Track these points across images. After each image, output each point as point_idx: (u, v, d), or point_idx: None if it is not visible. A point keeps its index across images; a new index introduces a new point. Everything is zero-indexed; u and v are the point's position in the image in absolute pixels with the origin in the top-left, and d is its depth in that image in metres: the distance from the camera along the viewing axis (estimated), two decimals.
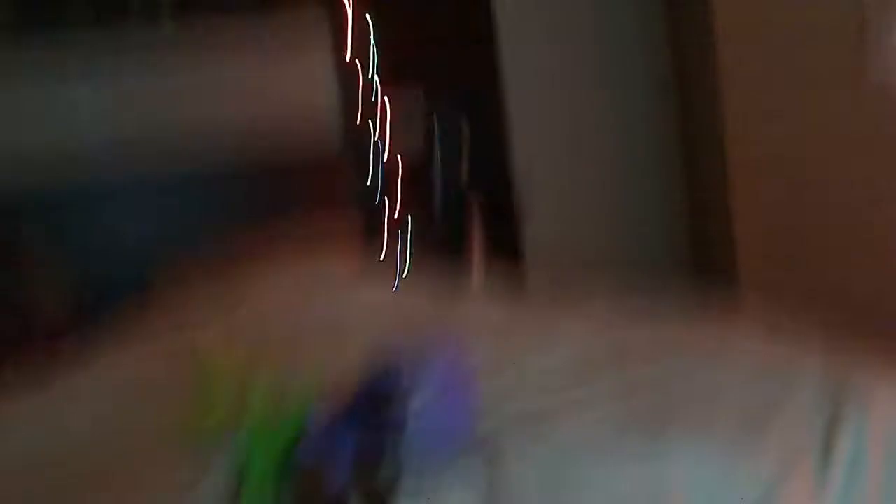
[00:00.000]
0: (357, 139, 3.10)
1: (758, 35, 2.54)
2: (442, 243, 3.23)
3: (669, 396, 1.16)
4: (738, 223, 2.77)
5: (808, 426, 1.07)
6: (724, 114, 2.70)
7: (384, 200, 3.10)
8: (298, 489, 0.92)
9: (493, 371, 1.41)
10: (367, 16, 3.03)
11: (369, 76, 3.06)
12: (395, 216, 3.10)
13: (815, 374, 1.18)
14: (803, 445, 1.03)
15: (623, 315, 1.69)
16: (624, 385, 1.23)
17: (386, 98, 3.08)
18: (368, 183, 3.09)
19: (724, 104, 2.70)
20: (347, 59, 3.04)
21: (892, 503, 0.99)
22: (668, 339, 1.40)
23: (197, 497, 0.97)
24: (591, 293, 1.92)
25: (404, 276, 3.04)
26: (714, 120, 2.84)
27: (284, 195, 3.02)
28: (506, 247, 3.25)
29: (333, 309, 2.34)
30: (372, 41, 3.05)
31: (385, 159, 3.11)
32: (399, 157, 3.12)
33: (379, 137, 3.07)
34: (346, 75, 3.09)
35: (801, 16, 2.36)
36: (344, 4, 3.03)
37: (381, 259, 3.07)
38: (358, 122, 3.07)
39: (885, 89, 2.13)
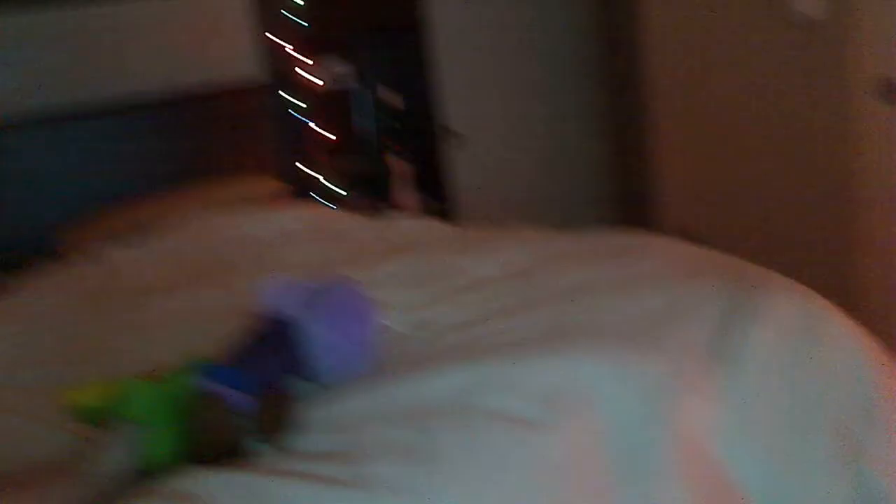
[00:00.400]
0: (281, 72, 3.04)
1: None
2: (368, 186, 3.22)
3: (579, 303, 1.19)
4: (663, 164, 2.83)
5: (704, 326, 1.11)
6: (647, 47, 2.73)
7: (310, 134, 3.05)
8: (203, 413, 0.90)
9: (413, 283, 1.44)
10: None
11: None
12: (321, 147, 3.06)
13: (711, 279, 1.22)
14: (699, 343, 1.08)
15: (544, 235, 1.73)
16: (537, 295, 1.26)
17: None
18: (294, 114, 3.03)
19: (646, 38, 2.72)
20: None
21: (784, 395, 1.05)
22: (584, 251, 1.44)
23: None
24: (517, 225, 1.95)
25: (332, 201, 3.02)
26: (636, 53, 2.87)
27: (207, 127, 2.96)
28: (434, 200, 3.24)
29: (257, 231, 2.33)
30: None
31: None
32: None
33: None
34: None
35: None
36: None
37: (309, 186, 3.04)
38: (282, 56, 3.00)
39: (806, 19, 2.19)
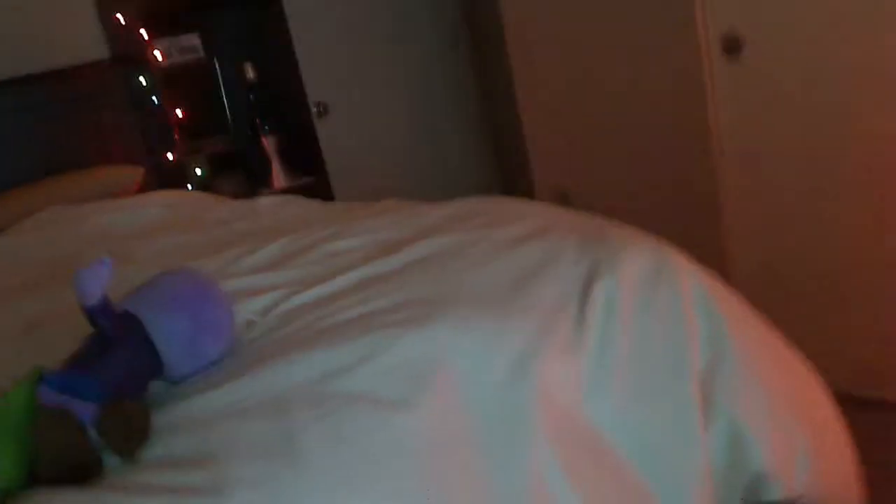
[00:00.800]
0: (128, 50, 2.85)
1: None
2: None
3: (444, 269, 1.18)
4: (528, 130, 2.86)
5: (567, 286, 1.12)
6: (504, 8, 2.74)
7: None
8: (45, 429, 0.82)
9: (272, 267, 1.39)
10: None
11: None
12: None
13: (573, 241, 1.24)
14: (561, 303, 1.09)
15: (411, 206, 1.71)
16: (405, 262, 1.24)
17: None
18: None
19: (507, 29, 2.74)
20: None
21: (642, 346, 1.08)
22: (452, 220, 1.43)
23: None
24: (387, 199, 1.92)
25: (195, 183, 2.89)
26: (496, 13, 2.87)
27: (57, 115, 2.76)
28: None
29: (115, 224, 2.21)
30: None
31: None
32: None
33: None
34: None
35: None
36: None
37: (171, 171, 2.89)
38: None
39: None
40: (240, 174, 3.03)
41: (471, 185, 3.56)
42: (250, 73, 3.02)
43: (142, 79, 2.75)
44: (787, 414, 1.15)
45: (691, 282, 1.17)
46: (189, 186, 2.85)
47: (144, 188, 2.68)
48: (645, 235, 1.27)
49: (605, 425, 1.01)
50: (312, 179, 3.05)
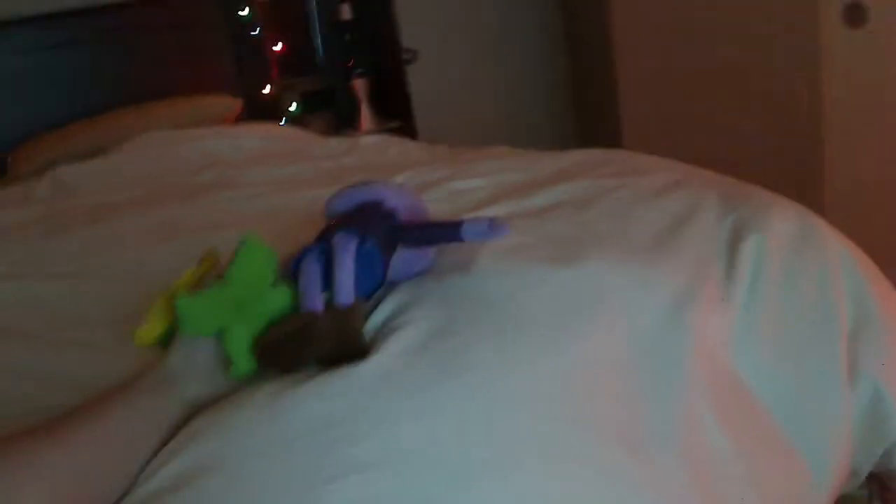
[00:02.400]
0: None
1: None
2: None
3: (586, 213, 1.18)
4: (623, 90, 2.81)
5: (714, 239, 1.12)
6: None
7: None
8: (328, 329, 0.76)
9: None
10: None
11: None
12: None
13: (715, 195, 1.23)
14: (710, 256, 1.09)
15: (527, 153, 1.70)
16: (541, 204, 1.24)
17: None
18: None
19: None
20: None
21: (790, 305, 1.07)
22: (580, 164, 1.42)
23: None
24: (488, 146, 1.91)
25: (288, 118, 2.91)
26: None
27: (154, 42, 2.79)
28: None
29: (218, 149, 2.24)
30: None
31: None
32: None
33: None
34: None
35: None
36: None
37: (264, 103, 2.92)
38: None
39: None
40: (329, 113, 3.05)
41: (554, 141, 3.54)
42: (347, 14, 3.01)
43: (246, 10, 2.75)
44: None
45: (836, 244, 1.16)
46: (282, 121, 2.87)
47: (239, 120, 2.72)
48: (786, 199, 1.25)
49: (752, 378, 1.00)
50: (399, 124, 3.05)
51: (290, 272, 0.83)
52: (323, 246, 0.83)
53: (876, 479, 1.19)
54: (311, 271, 0.80)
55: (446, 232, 0.90)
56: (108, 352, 0.98)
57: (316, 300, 0.78)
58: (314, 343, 0.76)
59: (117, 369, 0.87)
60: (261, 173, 1.92)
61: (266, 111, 2.85)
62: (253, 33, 2.84)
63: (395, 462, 0.70)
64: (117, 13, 2.72)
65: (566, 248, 1.04)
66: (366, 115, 3.05)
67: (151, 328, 0.83)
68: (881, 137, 2.12)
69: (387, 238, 0.87)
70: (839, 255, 1.15)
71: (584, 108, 3.64)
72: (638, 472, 0.82)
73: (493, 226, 0.87)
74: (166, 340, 0.82)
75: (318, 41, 3.12)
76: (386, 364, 0.78)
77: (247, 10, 2.79)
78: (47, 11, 2.61)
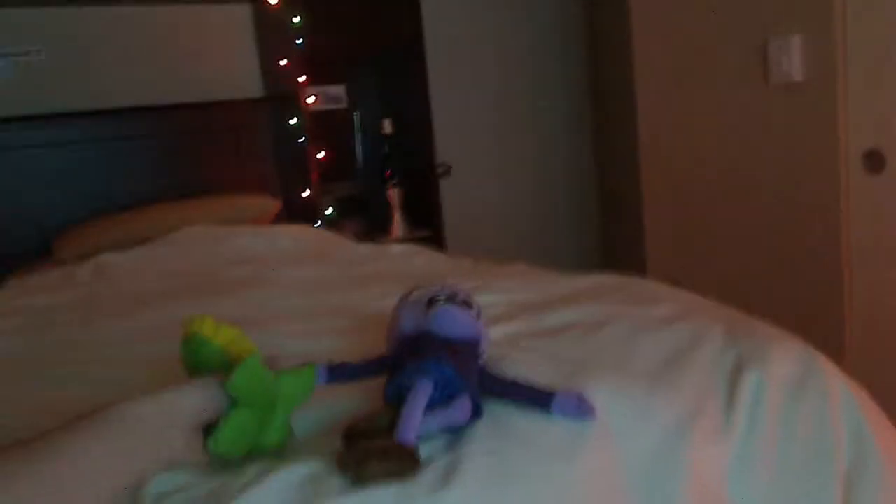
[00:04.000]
0: (278, 90, 3.06)
1: (669, 41, 2.66)
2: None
3: (594, 337, 1.23)
4: (648, 221, 2.89)
5: (715, 372, 1.15)
6: (637, 114, 2.83)
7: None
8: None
9: None
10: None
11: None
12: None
13: (720, 329, 1.27)
14: (710, 388, 1.12)
15: (544, 273, 1.77)
16: (551, 325, 1.30)
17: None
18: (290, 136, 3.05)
19: (638, 105, 2.83)
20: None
21: (788, 442, 1.09)
22: (594, 289, 1.48)
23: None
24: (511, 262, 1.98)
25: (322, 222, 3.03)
26: (627, 121, 2.96)
27: (204, 141, 2.97)
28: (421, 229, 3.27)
29: (254, 246, 2.34)
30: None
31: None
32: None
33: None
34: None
35: (710, 26, 2.50)
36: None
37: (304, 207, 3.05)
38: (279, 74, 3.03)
39: (785, 89, 2.30)
40: (362, 219, 3.17)
41: (581, 257, 3.61)
42: (388, 129, 3.18)
43: (294, 119, 2.93)
44: None
45: (838, 385, 1.18)
46: (317, 223, 2.99)
47: (278, 219, 2.85)
48: (791, 335, 1.28)
49: None
50: (429, 233, 3.16)
51: (389, 389, 0.92)
52: (434, 373, 0.91)
53: None
54: (418, 401, 0.88)
55: (537, 399, 0.97)
56: None
57: (411, 433, 0.84)
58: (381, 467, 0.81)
59: None
60: (290, 272, 2.01)
61: (303, 213, 2.98)
62: (298, 140, 3.00)
63: None
64: (171, 112, 2.91)
65: (570, 370, 1.09)
66: (397, 223, 3.16)
67: (207, 327, 0.92)
68: None
69: (479, 384, 0.96)
70: (840, 394, 1.18)
71: (609, 230, 3.74)
72: None
73: (583, 407, 0.95)
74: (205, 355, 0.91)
75: (359, 151, 3.28)
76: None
77: (296, 119, 2.96)
78: (102, 108, 2.81)
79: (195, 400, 0.84)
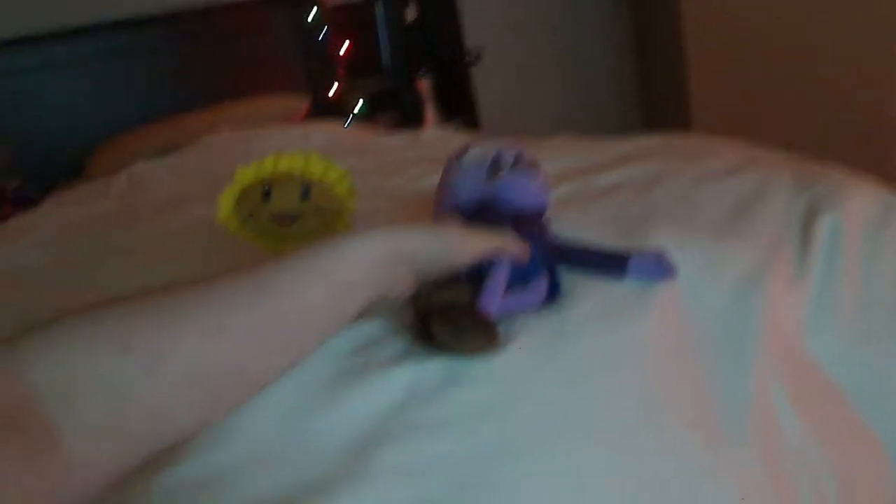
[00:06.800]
0: None
1: None
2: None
3: (652, 193, 1.15)
4: (696, 97, 2.75)
5: (786, 219, 1.07)
6: None
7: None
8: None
9: None
10: None
11: None
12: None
13: (789, 174, 1.18)
14: (782, 235, 1.04)
15: (589, 141, 1.67)
16: (603, 186, 1.22)
17: None
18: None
19: None
20: None
21: (870, 287, 1.01)
22: (644, 147, 1.39)
23: None
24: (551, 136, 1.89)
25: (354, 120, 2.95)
26: None
27: (223, 44, 2.87)
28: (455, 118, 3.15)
29: (283, 145, 2.27)
30: None
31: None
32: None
33: None
34: None
35: None
36: None
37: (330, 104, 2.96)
38: None
39: None
40: (394, 114, 3.07)
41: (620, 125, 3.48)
42: (411, 15, 3.03)
43: (312, 14, 2.80)
44: None
45: None
46: (347, 121, 2.91)
47: (305, 120, 2.76)
48: (863, 178, 1.19)
49: (826, 361, 0.95)
50: (462, 122, 3.05)
51: (469, 269, 0.79)
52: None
53: None
54: (500, 278, 0.79)
55: (611, 263, 0.88)
56: None
57: (494, 308, 0.76)
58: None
59: None
60: None
61: (332, 112, 2.89)
62: (319, 36, 2.88)
63: None
64: (188, 20, 2.80)
65: (630, 226, 1.02)
66: (430, 115, 3.06)
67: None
68: None
69: (551, 257, 0.86)
70: None
71: (652, 106, 3.57)
72: (708, 458, 0.78)
73: (663, 263, 0.86)
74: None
75: (384, 43, 3.14)
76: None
77: (313, 14, 2.83)
78: (122, 18, 2.72)
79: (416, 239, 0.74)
